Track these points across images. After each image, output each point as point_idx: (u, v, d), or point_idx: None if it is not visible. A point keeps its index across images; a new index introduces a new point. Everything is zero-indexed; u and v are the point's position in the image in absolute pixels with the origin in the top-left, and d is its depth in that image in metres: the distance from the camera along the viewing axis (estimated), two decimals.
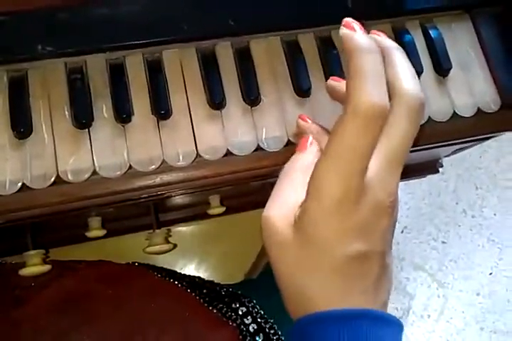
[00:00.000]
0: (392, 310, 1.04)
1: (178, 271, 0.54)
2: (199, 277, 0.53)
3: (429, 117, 0.39)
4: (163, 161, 0.35)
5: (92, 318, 0.47)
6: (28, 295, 0.47)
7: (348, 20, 0.30)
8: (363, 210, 0.29)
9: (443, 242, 1.10)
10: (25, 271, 0.38)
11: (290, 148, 0.35)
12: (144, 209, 0.41)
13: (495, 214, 1.14)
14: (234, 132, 0.36)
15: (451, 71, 0.40)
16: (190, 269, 0.56)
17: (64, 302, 0.47)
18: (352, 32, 0.29)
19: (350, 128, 0.27)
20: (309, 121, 0.35)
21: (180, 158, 0.35)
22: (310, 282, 0.29)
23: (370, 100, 0.27)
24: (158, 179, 0.35)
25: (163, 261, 0.54)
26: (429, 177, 0.68)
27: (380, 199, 0.29)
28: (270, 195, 0.32)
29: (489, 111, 0.40)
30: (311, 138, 0.33)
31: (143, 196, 0.35)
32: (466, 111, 0.39)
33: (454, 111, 0.39)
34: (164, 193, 0.36)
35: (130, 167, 0.34)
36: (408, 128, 0.29)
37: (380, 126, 0.28)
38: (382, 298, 0.31)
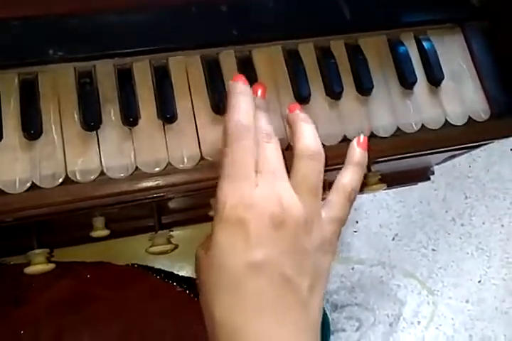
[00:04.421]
0: (383, 316, 1.06)
1: (176, 272, 0.55)
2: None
3: (422, 125, 0.41)
4: (169, 163, 0.36)
5: (91, 319, 0.47)
6: (28, 295, 0.48)
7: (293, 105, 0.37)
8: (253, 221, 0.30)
9: (433, 250, 1.12)
10: (29, 270, 0.39)
11: (290, 152, 0.37)
12: (147, 211, 0.42)
13: (483, 223, 1.16)
14: None
15: (444, 81, 0.42)
16: (188, 271, 0.57)
17: (64, 303, 0.48)
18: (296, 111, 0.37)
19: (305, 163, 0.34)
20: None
21: (185, 160, 0.36)
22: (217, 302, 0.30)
23: (316, 144, 0.35)
24: (163, 180, 0.36)
25: (162, 263, 0.55)
26: (420, 185, 0.70)
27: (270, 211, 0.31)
28: None
29: (479, 120, 0.41)
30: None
31: (148, 196, 0.36)
32: (458, 119, 0.41)
33: (446, 120, 0.41)
34: (168, 194, 0.37)
35: (136, 168, 0.36)
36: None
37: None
38: (294, 319, 0.30)
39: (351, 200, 0.36)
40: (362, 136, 0.38)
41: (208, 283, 0.31)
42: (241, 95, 0.34)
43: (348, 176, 0.36)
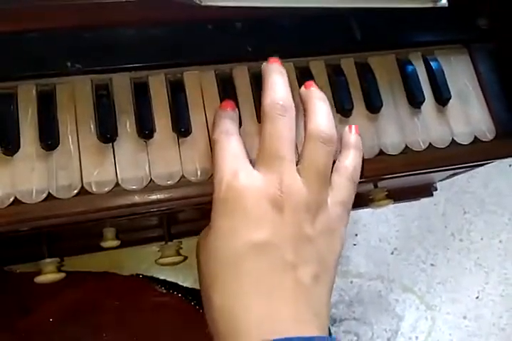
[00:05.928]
0: (381, 331, 1.06)
1: (180, 283, 0.55)
2: None
3: (430, 143, 0.41)
4: (182, 176, 0.37)
5: (97, 330, 0.48)
6: (35, 305, 0.48)
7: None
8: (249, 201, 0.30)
9: (432, 265, 1.12)
10: (40, 279, 0.40)
11: None
12: (156, 221, 0.43)
13: (482, 239, 1.17)
14: (249, 150, 0.38)
15: (450, 101, 0.43)
16: (192, 282, 0.57)
17: (70, 313, 0.48)
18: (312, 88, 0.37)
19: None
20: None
21: (198, 173, 0.37)
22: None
23: (329, 126, 0.35)
24: (176, 193, 0.36)
25: (166, 274, 0.55)
26: (420, 200, 0.71)
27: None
28: None
29: (485, 140, 0.42)
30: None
31: (161, 208, 0.37)
32: (464, 138, 0.42)
33: (453, 139, 0.42)
34: (181, 206, 0.38)
35: (151, 180, 0.36)
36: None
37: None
38: (296, 308, 0.29)
39: (354, 181, 0.35)
40: (352, 126, 0.38)
41: (206, 268, 0.30)
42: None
43: (348, 158, 0.36)
